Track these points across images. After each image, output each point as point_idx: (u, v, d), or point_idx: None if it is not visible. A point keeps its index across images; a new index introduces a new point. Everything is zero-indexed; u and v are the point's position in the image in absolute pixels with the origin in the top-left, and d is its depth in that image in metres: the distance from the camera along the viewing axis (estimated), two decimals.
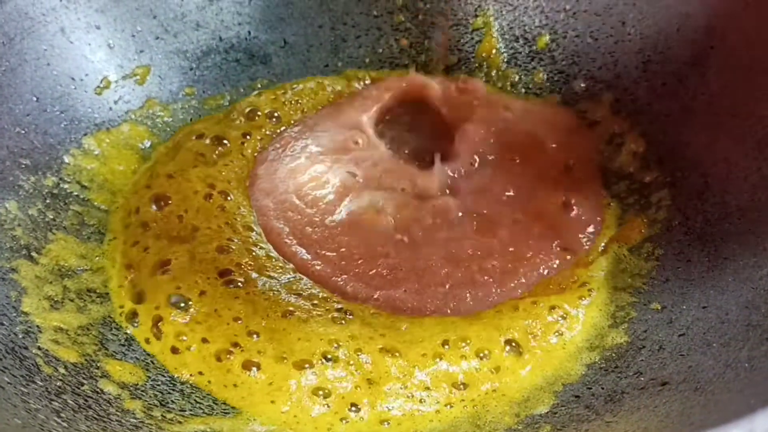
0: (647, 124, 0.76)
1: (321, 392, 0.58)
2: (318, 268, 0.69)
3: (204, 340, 0.61)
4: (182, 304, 0.63)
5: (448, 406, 0.58)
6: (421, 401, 0.58)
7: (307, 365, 0.59)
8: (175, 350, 0.61)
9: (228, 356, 0.60)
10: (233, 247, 0.69)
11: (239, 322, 0.62)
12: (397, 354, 0.60)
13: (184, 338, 0.62)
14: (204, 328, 0.62)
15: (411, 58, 0.89)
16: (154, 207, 0.72)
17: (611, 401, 0.56)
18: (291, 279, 0.68)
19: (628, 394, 0.56)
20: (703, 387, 0.52)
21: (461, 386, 0.59)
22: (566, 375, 0.61)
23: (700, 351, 0.56)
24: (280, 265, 0.69)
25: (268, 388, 0.58)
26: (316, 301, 0.65)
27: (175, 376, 0.60)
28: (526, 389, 0.59)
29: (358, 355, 0.60)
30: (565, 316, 0.64)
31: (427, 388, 0.59)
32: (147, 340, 0.63)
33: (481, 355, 0.61)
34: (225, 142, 0.79)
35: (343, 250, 0.70)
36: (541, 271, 0.69)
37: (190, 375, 0.60)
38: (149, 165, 0.78)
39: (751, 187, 0.65)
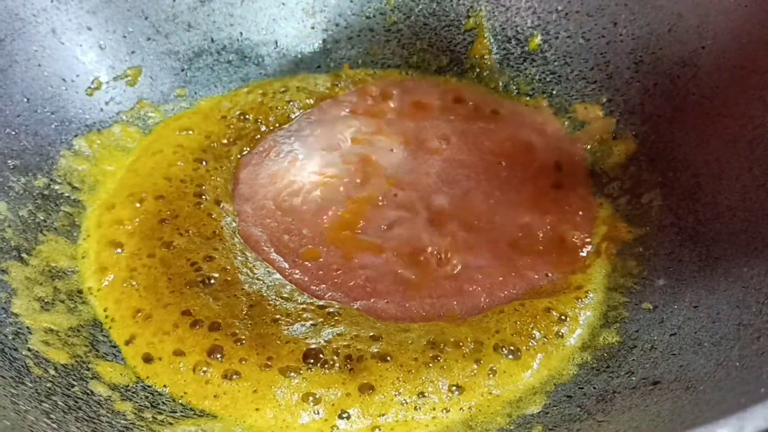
0: (639, 124, 0.76)
1: (311, 398, 0.57)
2: (296, 276, 0.68)
3: (178, 353, 0.60)
4: (155, 312, 0.63)
5: (444, 412, 0.58)
6: (415, 408, 0.57)
7: (293, 372, 0.58)
8: (147, 359, 0.60)
9: (206, 366, 0.59)
10: (215, 254, 0.68)
11: (219, 330, 0.61)
12: (388, 358, 0.60)
13: (156, 348, 0.60)
14: (175, 339, 0.61)
15: (403, 59, 0.89)
16: (131, 205, 0.71)
17: (603, 401, 0.56)
18: (277, 283, 0.67)
19: (620, 394, 0.56)
20: (695, 386, 0.52)
21: (456, 390, 0.59)
22: (558, 375, 0.60)
23: (691, 350, 0.56)
24: (267, 270, 0.68)
25: (253, 396, 0.57)
26: (303, 305, 0.65)
27: (139, 387, 0.59)
28: (519, 390, 0.59)
29: (347, 360, 0.60)
30: (564, 318, 0.63)
31: (422, 394, 0.58)
32: (126, 342, 0.62)
33: (476, 358, 0.60)
34: (210, 141, 0.78)
35: (320, 260, 0.69)
36: (534, 277, 0.68)
37: (164, 386, 0.59)
38: (131, 160, 0.77)
39: (742, 187, 0.64)
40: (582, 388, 0.59)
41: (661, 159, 0.73)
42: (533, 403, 0.58)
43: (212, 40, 0.86)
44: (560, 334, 0.62)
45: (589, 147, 0.79)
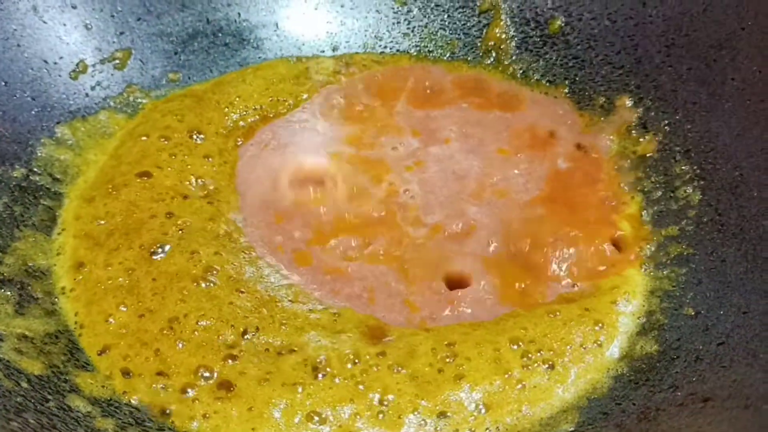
0: (671, 112, 0.71)
1: (315, 418, 0.51)
2: (295, 278, 0.63)
3: (160, 373, 0.54)
4: (132, 320, 0.57)
5: None
6: (436, 429, 0.52)
7: (296, 386, 0.53)
8: (124, 372, 0.54)
9: (192, 388, 0.53)
10: (211, 251, 0.62)
11: (209, 343, 0.55)
12: (402, 369, 0.54)
13: (133, 362, 0.55)
14: (155, 353, 0.54)
15: (413, 43, 0.83)
16: (113, 195, 0.65)
17: (645, 419, 0.50)
18: (282, 284, 0.61)
19: (665, 411, 0.50)
20: (755, 404, 0.46)
21: (483, 408, 0.53)
22: (592, 389, 0.55)
23: (744, 362, 0.51)
24: (270, 270, 0.63)
25: (248, 415, 0.52)
26: (306, 310, 0.59)
27: (122, 401, 0.53)
28: (551, 407, 0.54)
29: (356, 372, 0.54)
30: (601, 324, 0.58)
31: (443, 414, 0.52)
32: (99, 353, 0.56)
33: (504, 370, 0.54)
34: (203, 128, 0.72)
35: (313, 264, 0.64)
36: (559, 285, 0.63)
37: (143, 404, 0.53)
38: (113, 146, 0.71)
39: None
40: (620, 404, 0.53)
41: (698, 150, 0.68)
42: (565, 420, 0.53)
43: (208, 21, 0.80)
44: (598, 342, 0.57)
45: (615, 138, 0.74)
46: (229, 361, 0.54)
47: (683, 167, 0.68)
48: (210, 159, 0.70)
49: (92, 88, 0.74)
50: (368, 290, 0.62)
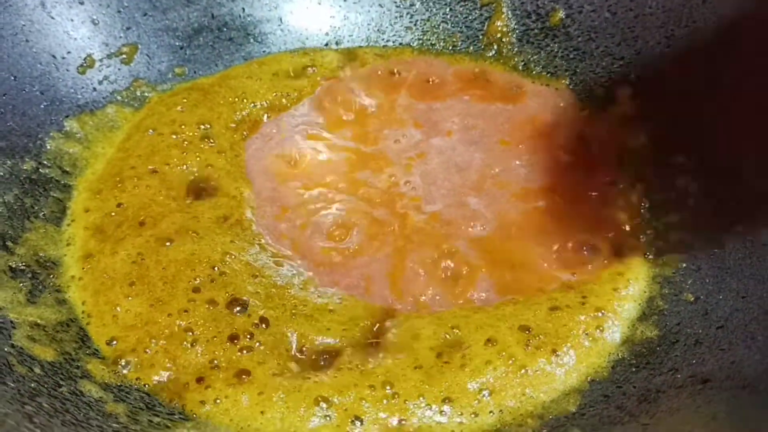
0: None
1: (322, 403, 0.52)
2: (300, 267, 0.63)
3: (170, 367, 0.55)
4: (143, 310, 0.57)
5: (473, 416, 0.53)
6: (441, 412, 0.52)
7: (303, 371, 0.54)
8: (135, 363, 0.55)
9: (207, 370, 0.54)
10: (223, 241, 0.62)
11: (225, 322, 0.56)
12: (404, 355, 0.55)
13: (142, 355, 0.55)
14: (165, 351, 0.55)
15: (415, 36, 0.84)
16: (123, 188, 0.66)
17: (645, 401, 0.51)
18: (289, 274, 0.62)
19: (665, 393, 0.51)
20: (752, 384, 0.47)
21: (487, 393, 0.54)
22: (593, 372, 0.56)
23: (743, 345, 0.52)
24: (285, 260, 0.64)
25: (258, 399, 0.52)
26: (315, 298, 0.60)
27: (133, 387, 0.54)
28: (553, 390, 0.54)
29: (362, 358, 0.55)
30: (602, 311, 0.59)
31: (448, 399, 0.53)
32: (108, 343, 0.57)
33: (509, 355, 0.55)
34: (210, 122, 0.73)
35: (318, 252, 0.64)
36: (559, 275, 0.63)
37: (153, 390, 0.54)
38: (121, 139, 0.72)
39: None
40: (620, 386, 0.54)
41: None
42: (567, 403, 0.53)
43: (213, 17, 0.81)
44: (599, 328, 0.58)
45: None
46: (240, 348, 0.55)
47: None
48: (218, 151, 0.71)
49: (100, 83, 0.74)
50: (369, 278, 0.63)
